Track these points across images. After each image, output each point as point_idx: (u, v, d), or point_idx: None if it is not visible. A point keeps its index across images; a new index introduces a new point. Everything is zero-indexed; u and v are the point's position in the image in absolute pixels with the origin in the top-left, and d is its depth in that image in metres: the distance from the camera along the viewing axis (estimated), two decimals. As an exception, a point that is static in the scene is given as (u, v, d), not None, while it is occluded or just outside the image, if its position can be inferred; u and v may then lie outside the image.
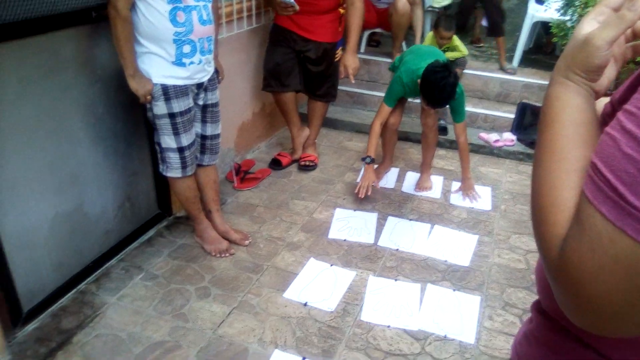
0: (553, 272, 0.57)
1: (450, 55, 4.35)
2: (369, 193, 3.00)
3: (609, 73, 0.66)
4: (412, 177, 3.55)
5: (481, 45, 5.32)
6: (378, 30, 4.76)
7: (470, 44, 5.20)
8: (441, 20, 4.06)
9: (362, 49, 4.84)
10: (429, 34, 4.24)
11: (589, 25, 0.62)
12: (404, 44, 4.86)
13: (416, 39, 4.99)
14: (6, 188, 1.93)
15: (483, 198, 3.34)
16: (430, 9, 4.93)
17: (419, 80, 2.79)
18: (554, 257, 0.56)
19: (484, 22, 5.03)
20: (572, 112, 0.62)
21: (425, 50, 3.12)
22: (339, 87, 4.45)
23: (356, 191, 3.03)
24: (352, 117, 4.41)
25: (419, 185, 3.38)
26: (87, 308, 2.22)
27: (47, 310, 2.17)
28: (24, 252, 2.05)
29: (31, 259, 2.09)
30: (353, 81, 3.46)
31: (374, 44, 5.12)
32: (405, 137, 4.09)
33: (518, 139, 4.08)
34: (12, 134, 1.92)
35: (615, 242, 0.50)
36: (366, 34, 4.86)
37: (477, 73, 4.54)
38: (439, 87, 2.69)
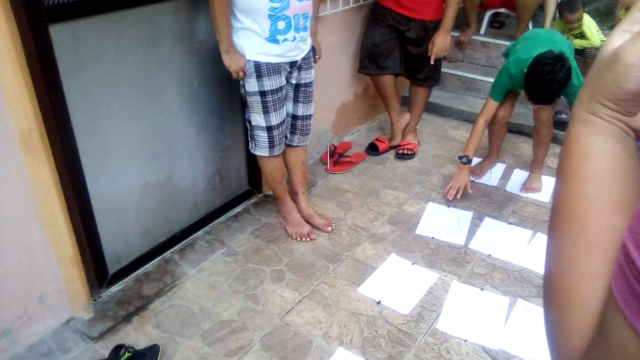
0: None
1: (577, 43, 3.87)
2: (459, 196, 2.80)
3: None
4: (519, 175, 3.23)
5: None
6: (502, 10, 4.36)
7: (610, 29, 4.58)
8: (565, 0, 3.59)
9: (483, 30, 4.48)
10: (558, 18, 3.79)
11: (619, 38, 0.43)
12: (530, 26, 4.42)
13: (546, 22, 4.50)
14: (100, 154, 2.02)
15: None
16: (566, -13, 4.41)
17: (525, 71, 2.49)
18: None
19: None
20: (597, 161, 0.44)
21: (542, 36, 2.75)
22: (451, 71, 4.20)
23: (445, 191, 2.84)
24: (462, 104, 4.11)
25: (526, 186, 3.06)
26: (168, 276, 2.30)
27: (132, 274, 2.28)
28: (113, 217, 2.15)
29: (120, 224, 2.20)
30: (432, 62, 3.16)
31: (497, 25, 4.70)
32: (517, 130, 3.73)
33: None
34: (109, 102, 2.00)
35: None
36: (488, 13, 4.48)
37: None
38: (544, 81, 2.37)
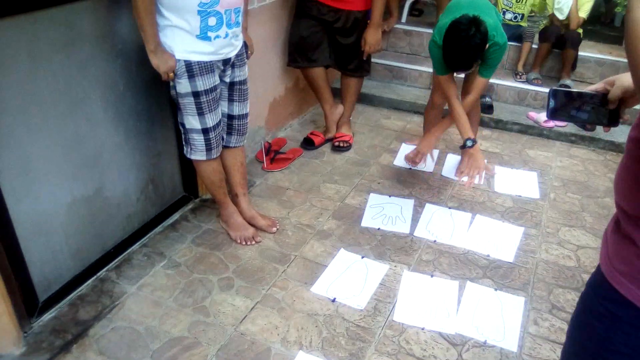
0: None
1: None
2: (481, 181, 2.77)
3: None
4: (452, 159, 3.31)
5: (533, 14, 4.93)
6: (421, -2, 4.46)
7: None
8: None
9: (404, 19, 4.56)
10: None
11: None
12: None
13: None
14: (19, 172, 1.82)
15: (529, 187, 3.08)
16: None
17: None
18: None
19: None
20: None
21: (465, 3, 2.59)
22: (377, 61, 4.23)
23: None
24: (391, 92, 4.16)
25: (460, 170, 3.13)
26: (106, 297, 2.13)
27: (65, 299, 2.08)
28: (40, 239, 1.95)
29: (47, 246, 2.00)
30: (364, 57, 3.20)
31: (416, 13, 4.80)
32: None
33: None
34: (25, 115, 1.80)
35: None
36: (408, 2, 4.56)
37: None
38: (459, 47, 2.32)
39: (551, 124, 3.71)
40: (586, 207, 2.92)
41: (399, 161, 3.28)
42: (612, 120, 1.04)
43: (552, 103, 1.02)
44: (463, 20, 2.32)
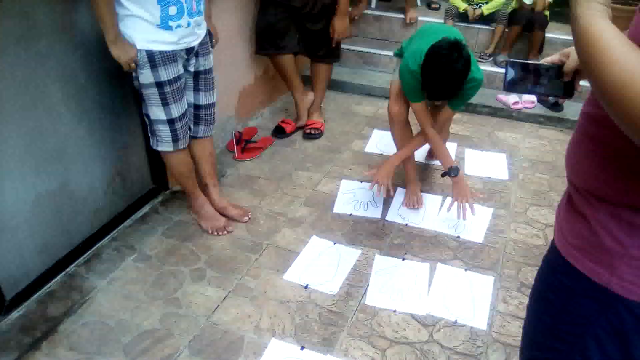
0: None
1: (488, 7, 4.06)
2: (473, 214, 2.47)
3: None
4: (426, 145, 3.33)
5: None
6: (390, -17, 4.45)
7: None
8: None
9: (373, 4, 4.55)
10: None
11: None
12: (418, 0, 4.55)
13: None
14: (-22, 169, 1.78)
15: (498, 168, 3.12)
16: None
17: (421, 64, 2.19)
18: None
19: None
20: (611, 29, 0.73)
21: (436, 28, 2.48)
22: (347, 47, 4.22)
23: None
24: (362, 78, 4.16)
25: (431, 155, 3.14)
26: (76, 293, 2.11)
27: (33, 296, 2.05)
28: (4, 236, 1.91)
29: (12, 243, 1.96)
30: (333, 45, 3.19)
31: (386, -2, 4.79)
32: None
33: (539, 100, 3.82)
34: (-19, 110, 1.75)
35: None
36: (377, -13, 4.54)
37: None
38: (442, 73, 2.09)
39: (520, 105, 3.76)
40: (554, 186, 2.98)
41: (371, 147, 3.30)
42: (568, 92, 1.05)
43: (509, 75, 1.02)
44: (444, 45, 2.10)
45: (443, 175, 2.58)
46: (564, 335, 1.01)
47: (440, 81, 2.14)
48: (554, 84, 1.03)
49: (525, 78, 1.04)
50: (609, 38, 0.72)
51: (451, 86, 2.16)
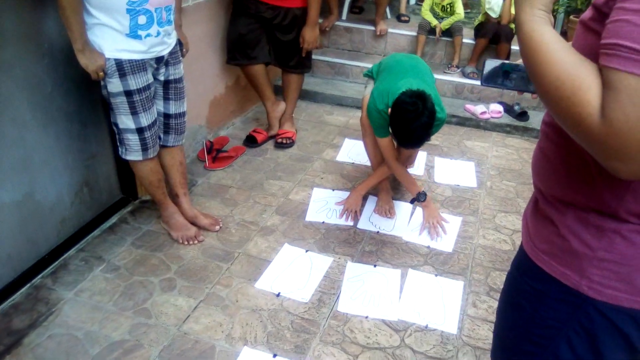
0: (600, 138, 0.69)
1: (445, 23, 4.18)
2: (445, 233, 2.62)
3: None
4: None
5: (468, 10, 5.09)
6: (360, -4, 4.52)
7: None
8: None
9: (344, 16, 4.61)
10: None
11: None
12: (388, 10, 4.63)
13: (401, 5, 4.75)
14: (-61, 179, 1.73)
15: (467, 176, 3.18)
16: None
17: (389, 110, 2.27)
18: (597, 126, 0.69)
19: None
20: (552, 34, 0.78)
21: (406, 64, 2.55)
22: (318, 57, 4.26)
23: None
24: (333, 89, 4.20)
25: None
26: (41, 305, 2.06)
27: (-3, 308, 2.00)
28: (-34, 248, 1.87)
29: (-25, 255, 1.91)
30: (303, 55, 3.22)
31: (357, 10, 4.87)
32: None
33: (505, 110, 3.91)
34: (-58, 118, 1.71)
35: None
36: (348, 0, 4.61)
37: (465, 41, 4.32)
38: (409, 129, 2.18)
39: (487, 115, 3.85)
40: (521, 193, 3.05)
41: (342, 156, 3.32)
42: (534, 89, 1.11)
43: (485, 71, 1.09)
44: (407, 99, 2.17)
45: (412, 201, 2.70)
46: (537, 339, 1.02)
47: (408, 135, 2.22)
48: (526, 81, 1.09)
49: (499, 74, 1.10)
50: (549, 41, 0.76)
51: (418, 138, 2.25)
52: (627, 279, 0.88)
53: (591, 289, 0.91)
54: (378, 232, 2.62)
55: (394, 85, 2.33)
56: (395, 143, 2.52)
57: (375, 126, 2.46)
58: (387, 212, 2.74)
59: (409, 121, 2.16)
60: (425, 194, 2.60)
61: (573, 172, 0.89)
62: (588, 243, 0.90)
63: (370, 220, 2.70)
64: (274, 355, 1.90)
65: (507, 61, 1.12)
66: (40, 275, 2.19)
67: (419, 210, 2.78)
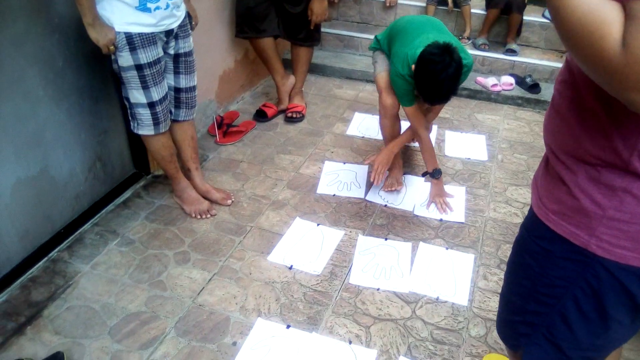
0: (620, 68, 0.69)
1: None
2: (451, 209, 2.60)
3: None
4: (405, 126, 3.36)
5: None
6: (369, -34, 4.44)
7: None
8: None
9: (353, -12, 4.53)
10: None
11: None
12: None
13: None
14: (-44, 155, 1.75)
15: (478, 150, 3.16)
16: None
17: (413, 66, 2.20)
18: (617, 56, 0.69)
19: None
20: None
21: (418, 22, 2.45)
22: (327, 30, 4.21)
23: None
24: (342, 62, 4.16)
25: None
26: (59, 278, 2.10)
27: (16, 282, 2.04)
28: (-16, 223, 1.90)
29: (-8, 229, 1.95)
30: (312, 27, 3.17)
31: (365, -19, 4.78)
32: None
33: (517, 83, 3.87)
34: (-43, 94, 1.72)
35: None
36: (356, -30, 4.53)
37: (474, 11, 4.25)
38: (437, 81, 2.10)
39: (498, 87, 3.80)
40: (532, 166, 3.03)
41: (352, 130, 3.31)
42: None
43: None
44: (435, 50, 2.10)
45: (424, 174, 2.68)
46: (543, 298, 1.04)
47: (437, 88, 2.14)
48: None
49: None
50: None
51: (448, 91, 2.16)
52: (637, 238, 0.89)
53: (600, 247, 0.92)
54: (386, 205, 2.63)
55: (411, 45, 2.26)
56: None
57: (400, 94, 2.41)
58: (393, 185, 2.74)
59: (436, 73, 2.08)
60: (440, 172, 2.58)
61: (586, 124, 0.89)
62: (598, 202, 0.90)
63: (379, 194, 2.70)
64: (288, 326, 1.93)
65: None
66: (56, 249, 2.23)
67: (427, 185, 2.78)
